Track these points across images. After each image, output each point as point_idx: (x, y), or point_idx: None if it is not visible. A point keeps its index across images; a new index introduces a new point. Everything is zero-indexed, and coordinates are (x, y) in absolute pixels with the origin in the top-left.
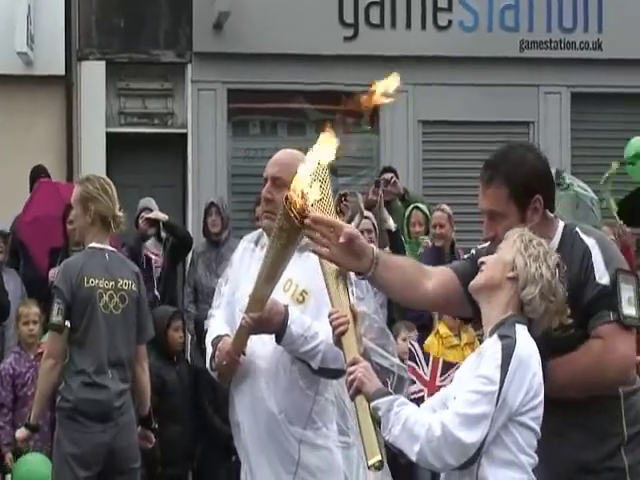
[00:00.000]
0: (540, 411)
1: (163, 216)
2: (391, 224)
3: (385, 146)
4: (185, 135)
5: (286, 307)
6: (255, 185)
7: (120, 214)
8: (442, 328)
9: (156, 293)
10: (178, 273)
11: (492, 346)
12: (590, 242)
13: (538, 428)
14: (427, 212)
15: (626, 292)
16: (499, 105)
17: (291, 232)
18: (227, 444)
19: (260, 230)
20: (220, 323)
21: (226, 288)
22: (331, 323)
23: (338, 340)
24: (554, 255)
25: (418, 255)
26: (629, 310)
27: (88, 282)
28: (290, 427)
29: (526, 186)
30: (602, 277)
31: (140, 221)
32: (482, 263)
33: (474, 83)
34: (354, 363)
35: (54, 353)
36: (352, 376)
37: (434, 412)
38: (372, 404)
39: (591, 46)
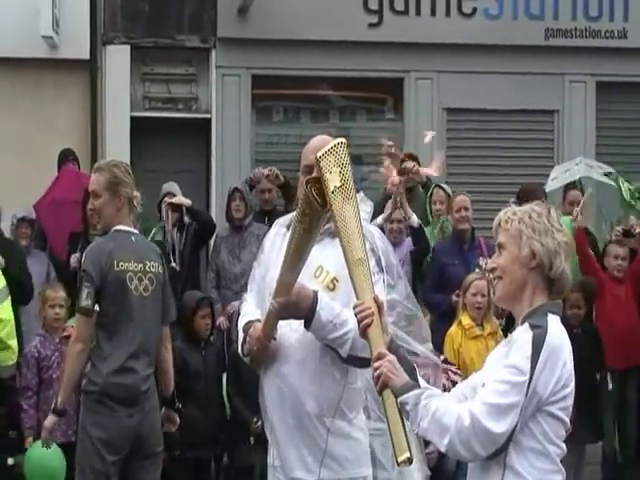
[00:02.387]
0: (569, 402)
1: (186, 201)
2: (414, 220)
3: (409, 134)
4: (209, 120)
5: (315, 292)
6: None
7: (137, 194)
8: (465, 319)
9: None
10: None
11: (522, 336)
12: None
13: (567, 419)
14: (449, 192)
15: None
16: (524, 94)
17: (313, 216)
18: (246, 427)
19: (292, 214)
20: (252, 308)
21: (258, 272)
22: (356, 316)
23: (364, 333)
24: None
25: (438, 241)
26: None
27: (118, 266)
28: (319, 416)
29: None
30: None
31: (163, 206)
32: (493, 269)
33: (499, 71)
34: (379, 358)
35: (82, 338)
36: (378, 371)
37: (465, 398)
38: (399, 399)
39: (617, 35)
